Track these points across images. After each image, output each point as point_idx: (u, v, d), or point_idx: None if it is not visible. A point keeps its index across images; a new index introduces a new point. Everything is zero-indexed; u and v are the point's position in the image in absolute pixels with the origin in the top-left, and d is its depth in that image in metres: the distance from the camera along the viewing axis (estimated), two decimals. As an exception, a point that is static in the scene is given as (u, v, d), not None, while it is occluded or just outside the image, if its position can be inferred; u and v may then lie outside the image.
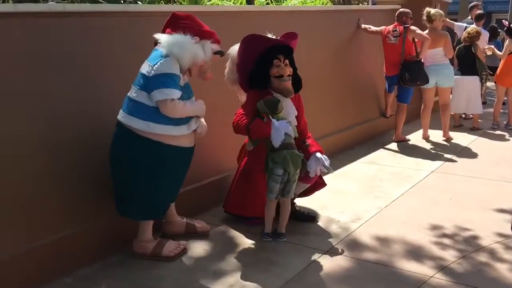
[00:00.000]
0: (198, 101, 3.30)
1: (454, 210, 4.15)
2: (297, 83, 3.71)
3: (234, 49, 3.72)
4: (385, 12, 7.29)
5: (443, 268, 3.16)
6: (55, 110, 3.09)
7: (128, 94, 3.14)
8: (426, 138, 6.62)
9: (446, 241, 3.57)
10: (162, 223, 3.54)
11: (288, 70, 3.59)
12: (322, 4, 8.52)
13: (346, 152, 5.93)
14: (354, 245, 3.51)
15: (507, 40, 7.24)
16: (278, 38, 3.70)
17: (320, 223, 3.90)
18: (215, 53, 3.28)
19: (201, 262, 3.28)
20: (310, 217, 3.96)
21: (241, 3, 6.63)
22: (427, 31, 6.31)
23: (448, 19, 8.19)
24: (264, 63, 3.56)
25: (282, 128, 3.45)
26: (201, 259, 3.33)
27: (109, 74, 3.42)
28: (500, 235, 3.62)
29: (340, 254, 3.37)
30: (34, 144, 2.98)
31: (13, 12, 2.91)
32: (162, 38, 3.09)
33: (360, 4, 11.24)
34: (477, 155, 5.93)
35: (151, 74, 3.01)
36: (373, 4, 9.64)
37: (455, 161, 5.69)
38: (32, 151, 2.97)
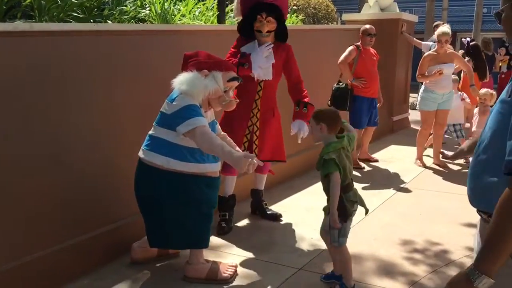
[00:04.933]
0: (236, 152, 3.05)
1: (424, 225, 4.22)
2: (282, 34, 4.03)
3: None
4: (353, 32, 7.44)
5: (414, 283, 3.20)
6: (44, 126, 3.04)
7: (149, 132, 3.19)
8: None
9: (417, 256, 3.61)
10: (133, 249, 3.42)
11: (269, 27, 3.91)
12: (293, 23, 8.65)
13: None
14: (326, 262, 3.51)
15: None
16: None
17: (293, 240, 3.91)
18: (230, 80, 3.28)
19: (168, 284, 3.24)
20: (275, 216, 4.29)
21: (212, 22, 6.68)
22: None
23: (415, 39, 8.42)
24: (249, 16, 3.93)
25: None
26: (172, 280, 3.29)
27: (76, 94, 3.38)
28: (469, 248, 3.69)
29: (313, 271, 3.37)
30: (42, 159, 3.07)
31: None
32: (174, 81, 3.12)
33: (330, 24, 11.45)
34: (444, 170, 6.06)
35: (169, 112, 3.05)
36: (342, 23, 9.84)
37: (423, 176, 5.80)
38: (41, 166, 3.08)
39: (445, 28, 6.20)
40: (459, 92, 6.58)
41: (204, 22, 6.55)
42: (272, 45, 3.97)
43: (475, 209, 1.70)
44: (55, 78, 3.22)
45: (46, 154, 3.15)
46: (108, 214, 3.52)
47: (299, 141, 4.09)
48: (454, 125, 6.68)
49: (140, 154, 3.18)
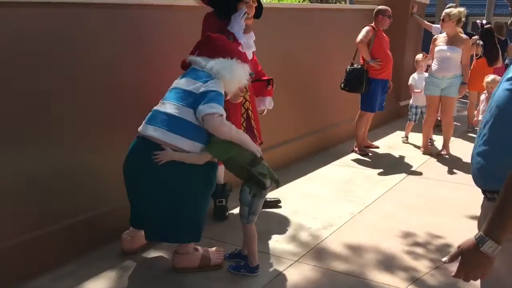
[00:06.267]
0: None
1: (428, 216, 4.05)
2: (258, 10, 3.81)
3: None
4: (362, 12, 7.18)
5: (415, 280, 3.04)
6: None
7: (162, 110, 2.87)
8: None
9: (419, 250, 3.45)
10: (123, 240, 3.23)
11: (254, 10, 3.70)
12: (299, 2, 8.38)
13: (320, 154, 5.81)
14: (325, 254, 3.37)
15: (475, 44, 7.24)
16: None
17: (290, 230, 3.75)
18: (250, 74, 3.19)
19: (155, 273, 3.10)
20: (273, 202, 4.13)
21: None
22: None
23: (426, 22, 8.15)
24: None
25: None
26: (158, 270, 3.15)
27: (68, 67, 3.21)
28: (474, 244, 3.52)
29: (310, 264, 3.22)
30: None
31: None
32: (210, 63, 2.95)
33: (338, 4, 11.15)
34: (453, 158, 5.87)
35: (200, 91, 2.85)
36: (351, 3, 9.55)
37: (429, 164, 5.61)
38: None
39: (449, 9, 5.91)
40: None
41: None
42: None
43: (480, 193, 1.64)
44: (46, 51, 3.06)
45: (33, 138, 2.99)
46: (93, 200, 3.35)
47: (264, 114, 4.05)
48: (417, 107, 6.54)
49: (154, 133, 2.79)
